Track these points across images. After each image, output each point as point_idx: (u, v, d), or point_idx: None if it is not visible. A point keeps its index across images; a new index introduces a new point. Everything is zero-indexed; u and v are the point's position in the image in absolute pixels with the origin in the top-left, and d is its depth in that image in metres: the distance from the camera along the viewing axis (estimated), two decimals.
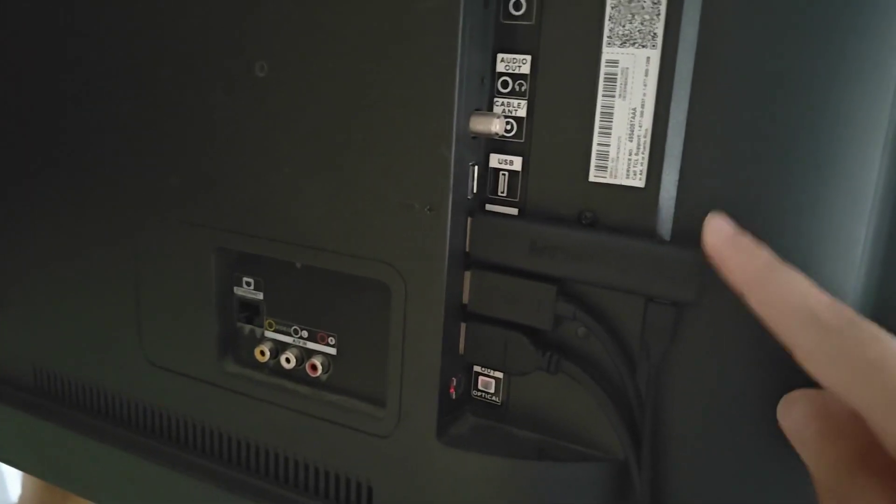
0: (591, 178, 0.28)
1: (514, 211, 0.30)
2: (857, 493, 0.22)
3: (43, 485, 0.63)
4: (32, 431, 0.43)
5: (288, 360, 0.34)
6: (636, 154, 0.27)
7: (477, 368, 0.32)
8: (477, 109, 0.29)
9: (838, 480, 0.22)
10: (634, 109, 0.27)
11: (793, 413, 0.24)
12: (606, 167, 0.27)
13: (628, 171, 0.27)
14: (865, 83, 0.25)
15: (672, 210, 0.27)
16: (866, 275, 0.27)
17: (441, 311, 0.29)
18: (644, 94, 0.26)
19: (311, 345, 0.34)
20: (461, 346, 0.31)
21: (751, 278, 0.24)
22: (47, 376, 0.44)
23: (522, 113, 0.29)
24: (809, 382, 0.23)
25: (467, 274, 0.30)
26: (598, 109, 0.27)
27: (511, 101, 0.29)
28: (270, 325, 0.35)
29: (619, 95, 0.27)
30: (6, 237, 0.43)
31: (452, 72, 0.27)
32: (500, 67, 0.29)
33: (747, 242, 0.25)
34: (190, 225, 0.35)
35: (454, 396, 0.31)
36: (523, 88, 0.29)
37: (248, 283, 0.35)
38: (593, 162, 0.28)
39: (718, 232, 0.26)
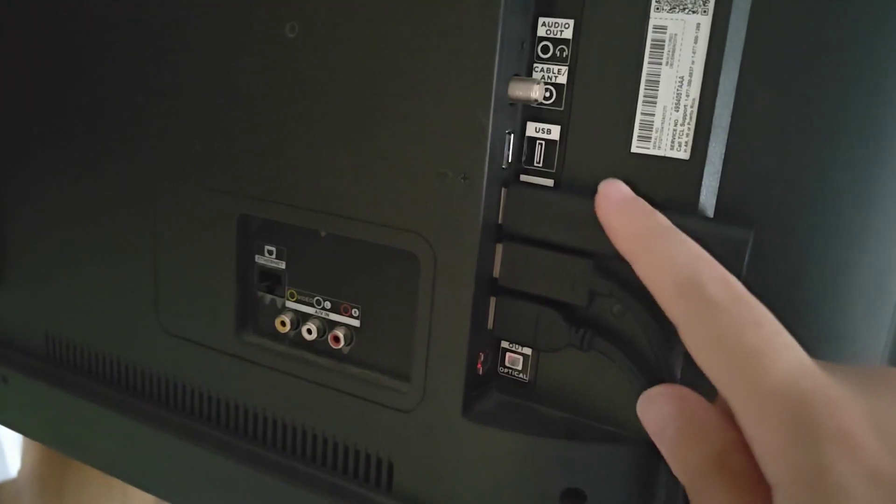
0: (633, 149, 0.27)
1: (549, 182, 0.29)
2: (708, 497, 0.21)
3: (43, 459, 0.62)
4: (43, 399, 0.43)
5: (309, 331, 0.34)
6: (682, 124, 0.26)
7: (504, 344, 0.31)
8: (516, 75, 0.27)
9: (693, 481, 0.21)
10: (682, 78, 0.26)
11: (652, 410, 0.23)
12: (650, 138, 0.26)
13: (673, 142, 0.26)
14: None
15: (717, 184, 0.26)
16: None
17: (471, 284, 0.28)
18: (693, 62, 0.25)
19: (333, 316, 0.33)
20: (490, 320, 0.30)
21: (635, 241, 0.23)
22: (59, 343, 0.43)
23: (563, 80, 0.28)
24: None
25: (499, 246, 0.29)
26: (644, 77, 0.26)
27: (551, 66, 0.28)
28: (292, 296, 0.34)
29: (666, 63, 0.26)
30: (20, 199, 0.42)
31: (493, 34, 0.26)
32: (541, 32, 0.28)
33: (640, 205, 0.23)
34: (212, 190, 0.34)
35: (481, 372, 0.30)
36: (565, 54, 0.28)
37: (270, 252, 0.35)
38: (636, 132, 0.27)
39: (608, 194, 0.24)
